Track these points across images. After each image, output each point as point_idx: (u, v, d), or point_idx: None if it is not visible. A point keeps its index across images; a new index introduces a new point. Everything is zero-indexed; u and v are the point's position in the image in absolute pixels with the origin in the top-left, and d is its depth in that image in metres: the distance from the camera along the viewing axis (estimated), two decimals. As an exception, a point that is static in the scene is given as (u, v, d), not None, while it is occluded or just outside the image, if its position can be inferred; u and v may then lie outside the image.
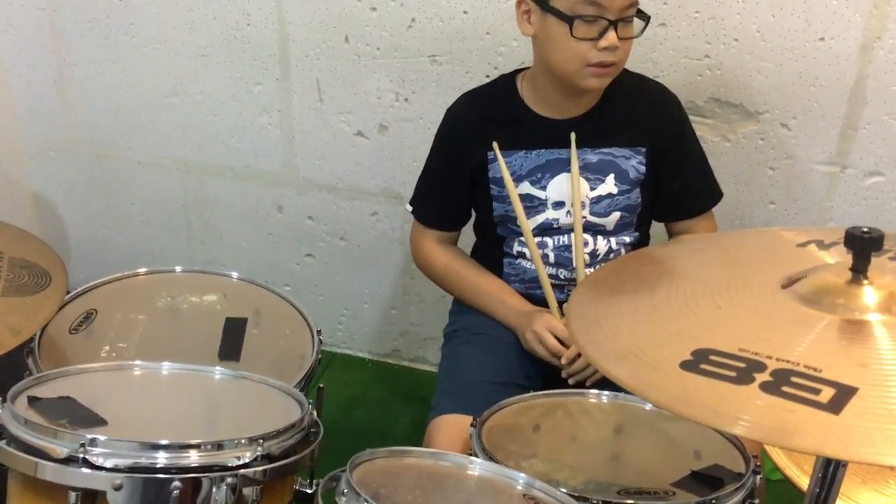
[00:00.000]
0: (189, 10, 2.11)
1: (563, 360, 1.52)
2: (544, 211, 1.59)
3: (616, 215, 1.60)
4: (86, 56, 2.25)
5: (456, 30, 1.95)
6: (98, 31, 2.21)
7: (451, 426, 1.45)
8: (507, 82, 1.64)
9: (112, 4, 2.16)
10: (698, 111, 1.87)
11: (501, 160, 1.56)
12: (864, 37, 1.73)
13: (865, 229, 0.88)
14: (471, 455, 1.23)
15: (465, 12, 1.93)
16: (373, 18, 2.00)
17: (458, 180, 1.65)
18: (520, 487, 1.15)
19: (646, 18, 1.47)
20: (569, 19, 1.42)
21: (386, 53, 2.02)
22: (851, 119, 1.80)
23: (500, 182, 1.60)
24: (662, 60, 1.85)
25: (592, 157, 1.58)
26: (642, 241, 1.68)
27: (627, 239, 1.63)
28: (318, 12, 2.03)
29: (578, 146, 1.57)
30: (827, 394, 0.76)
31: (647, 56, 1.85)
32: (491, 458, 1.21)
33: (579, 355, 1.51)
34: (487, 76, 1.94)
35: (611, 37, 1.42)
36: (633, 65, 1.73)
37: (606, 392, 1.41)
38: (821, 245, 1.01)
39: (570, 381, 1.53)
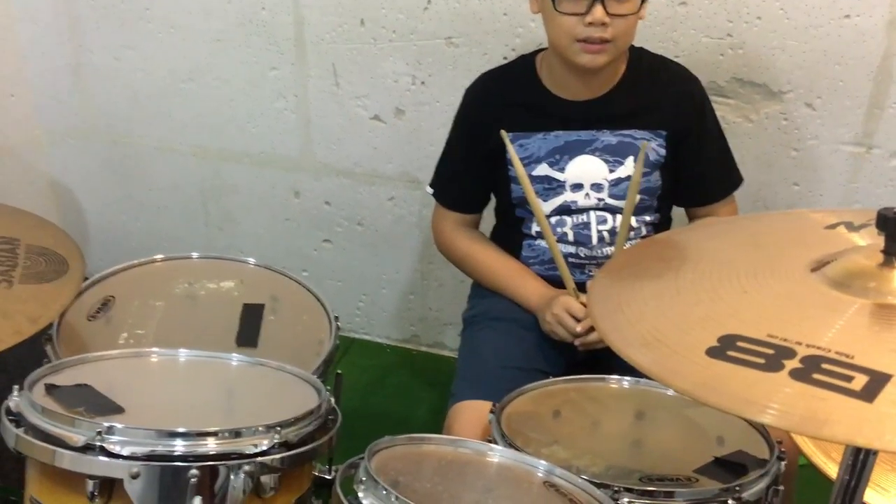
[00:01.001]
0: (204, -5, 2.10)
1: (579, 329, 1.50)
2: (563, 193, 1.58)
3: (636, 198, 1.57)
4: (102, 43, 2.25)
5: (473, 11, 1.93)
6: (113, 18, 2.20)
7: (472, 412, 1.44)
8: (525, 63, 1.63)
9: (127, -10, 2.16)
10: (720, 91, 1.84)
11: (511, 148, 1.54)
12: (890, 13, 1.69)
13: (898, 210, 0.86)
14: (490, 441, 1.21)
15: (482, -7, 1.91)
16: (388, 1, 1.97)
17: (478, 162, 1.63)
18: (540, 475, 1.14)
19: None
20: None
21: (402, 36, 2.00)
22: (878, 98, 1.76)
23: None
24: (683, 40, 1.82)
25: (612, 139, 1.56)
26: (663, 221, 1.66)
27: (648, 218, 1.61)
28: (333, -5, 2.01)
29: (597, 128, 1.56)
30: (860, 381, 0.74)
31: (668, 35, 1.82)
32: (511, 445, 1.20)
33: (593, 328, 1.49)
34: (505, 58, 1.92)
35: (597, 12, 1.41)
36: (653, 45, 1.71)
37: (627, 378, 1.40)
38: (850, 227, 0.99)
39: (580, 349, 1.52)
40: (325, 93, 2.12)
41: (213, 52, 2.16)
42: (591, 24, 1.42)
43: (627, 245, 1.58)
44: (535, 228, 1.62)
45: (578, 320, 1.51)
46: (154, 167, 2.37)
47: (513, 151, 1.54)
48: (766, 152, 1.88)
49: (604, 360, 1.54)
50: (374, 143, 2.14)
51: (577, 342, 1.52)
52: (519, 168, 1.54)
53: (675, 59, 1.68)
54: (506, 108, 1.59)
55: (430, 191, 1.72)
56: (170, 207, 2.41)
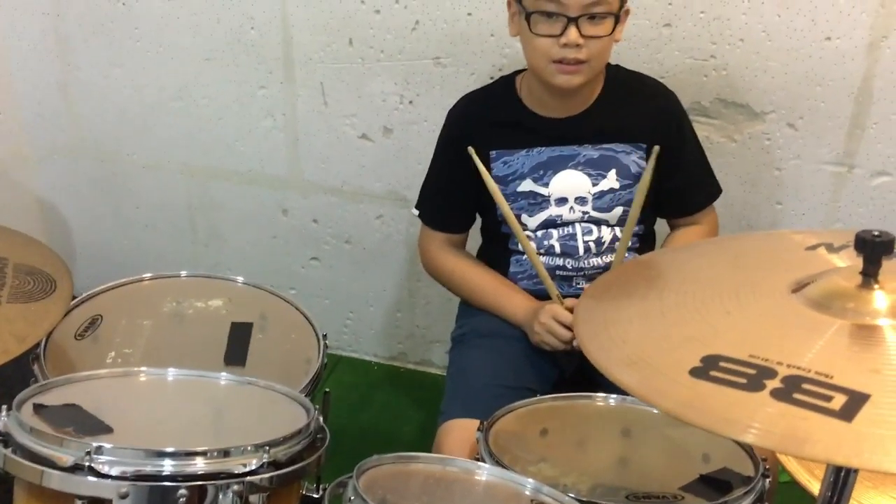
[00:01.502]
0: (193, 14, 2.11)
1: (568, 335, 1.51)
2: (548, 207, 1.60)
3: (619, 210, 1.60)
4: (90, 61, 2.25)
5: (460, 32, 1.95)
6: (102, 36, 2.21)
7: (461, 430, 1.45)
8: (506, 83, 1.66)
9: (116, 9, 2.16)
10: (704, 111, 1.86)
11: (480, 165, 1.56)
12: (870, 36, 1.72)
13: (876, 233, 0.87)
14: (478, 460, 1.22)
15: (469, 14, 1.93)
16: (377, 21, 1.99)
17: (462, 181, 1.65)
18: (528, 493, 1.14)
19: (616, 18, 1.46)
20: (528, 14, 1.45)
21: (390, 56, 2.01)
22: (859, 119, 1.79)
23: (502, 181, 1.60)
24: (668, 61, 1.84)
25: (593, 152, 1.59)
26: (647, 232, 1.69)
27: (634, 229, 1.63)
28: (321, 15, 2.02)
29: (578, 143, 1.59)
30: (839, 401, 0.75)
31: (653, 57, 1.84)
32: (498, 463, 1.21)
33: None
34: (492, 78, 1.92)
35: (570, 34, 1.43)
36: (638, 65, 1.73)
37: (614, 395, 1.40)
38: (830, 248, 1.00)
39: (576, 349, 1.52)
40: (313, 111, 2.13)
41: (201, 71, 2.17)
42: (565, 45, 1.44)
43: (613, 256, 1.61)
44: (521, 245, 1.64)
45: (567, 327, 1.52)
46: (142, 185, 2.37)
47: (482, 169, 1.56)
48: (750, 172, 1.90)
49: (591, 377, 1.55)
50: (362, 161, 2.15)
51: (567, 348, 1.53)
52: (489, 181, 1.56)
53: (661, 80, 1.71)
54: (488, 126, 1.62)
55: (416, 212, 1.73)
56: (157, 225, 2.41)
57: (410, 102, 2.05)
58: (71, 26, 2.22)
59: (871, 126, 1.79)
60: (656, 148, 1.56)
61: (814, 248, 1.02)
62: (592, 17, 1.44)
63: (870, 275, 0.88)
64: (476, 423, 1.33)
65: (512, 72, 1.68)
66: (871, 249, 0.88)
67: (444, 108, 1.73)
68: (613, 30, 1.47)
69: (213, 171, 2.29)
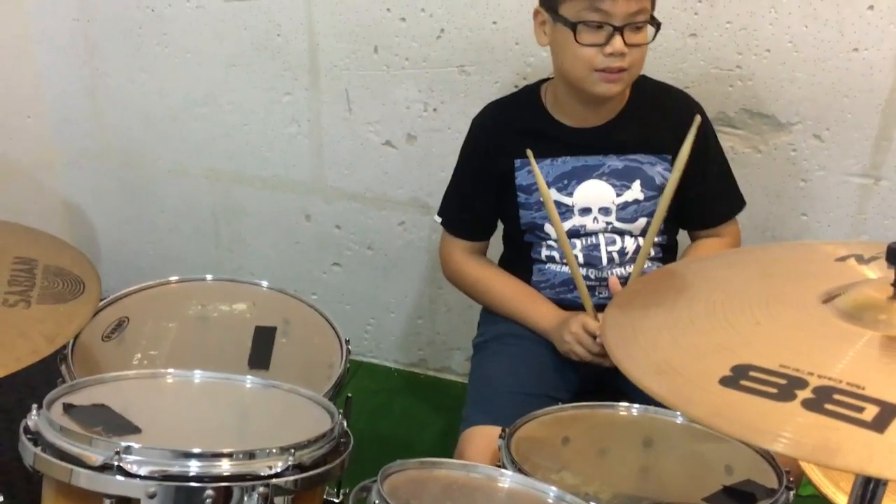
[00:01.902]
0: (220, 21, 2.13)
1: (598, 348, 1.50)
2: (571, 217, 1.60)
3: (642, 221, 1.60)
4: (118, 66, 2.28)
5: (485, 40, 1.95)
6: (130, 42, 2.23)
7: (483, 437, 1.45)
8: (531, 92, 1.66)
9: (145, 15, 2.19)
10: (729, 122, 1.86)
11: (535, 166, 1.55)
12: (898, 48, 1.71)
13: (908, 244, 0.87)
14: (500, 467, 1.22)
15: (494, 23, 1.93)
16: (402, 29, 2.00)
17: (485, 190, 1.65)
18: (550, 501, 1.14)
19: (657, 25, 1.48)
20: (573, 25, 1.45)
21: (415, 64, 2.03)
22: (886, 130, 1.78)
23: (526, 189, 1.60)
24: (693, 71, 1.84)
25: (618, 163, 1.59)
26: (670, 242, 1.68)
27: (657, 239, 1.63)
28: (347, 23, 2.04)
29: (603, 153, 1.58)
30: (871, 412, 0.75)
31: (678, 66, 1.84)
32: (520, 470, 1.21)
33: None
34: (516, 86, 1.94)
35: (616, 43, 1.44)
36: (663, 75, 1.73)
37: (636, 405, 1.40)
38: (861, 259, 1.00)
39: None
40: (337, 118, 2.15)
41: (227, 77, 2.19)
42: (610, 54, 1.45)
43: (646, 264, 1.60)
44: (545, 253, 1.64)
45: (595, 338, 1.52)
46: (166, 189, 2.39)
47: (538, 171, 1.54)
48: (775, 183, 1.89)
49: (613, 386, 1.55)
50: (386, 168, 2.16)
51: (596, 360, 1.52)
52: (543, 187, 1.54)
53: (685, 90, 1.71)
54: (513, 135, 1.62)
55: (439, 219, 1.74)
56: (181, 229, 2.43)
57: (434, 110, 2.06)
58: (99, 32, 2.25)
59: (898, 138, 1.78)
60: (697, 118, 1.52)
61: (843, 259, 1.01)
62: (634, 25, 1.45)
63: (902, 287, 0.87)
64: (498, 430, 1.33)
65: (536, 81, 1.68)
66: (904, 261, 0.87)
67: (467, 115, 1.74)
68: (654, 37, 1.49)
69: (237, 177, 2.30)
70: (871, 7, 1.70)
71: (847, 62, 1.75)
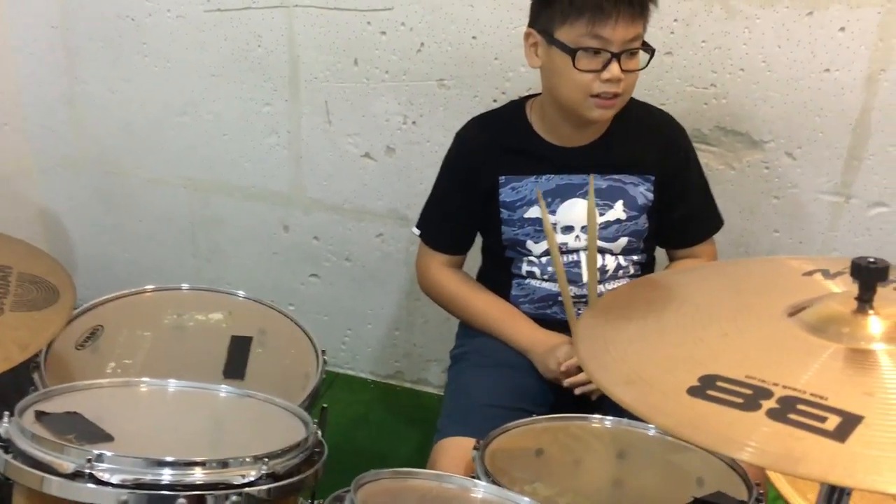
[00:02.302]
0: (200, 31, 2.14)
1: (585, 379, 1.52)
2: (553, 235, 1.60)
3: (623, 240, 1.61)
4: (97, 75, 2.27)
5: (464, 55, 1.97)
6: (110, 51, 2.23)
7: (457, 449, 1.45)
8: (516, 109, 1.66)
9: (125, 24, 2.19)
10: (703, 139, 1.89)
11: (545, 208, 1.56)
12: (869, 69, 1.74)
13: (872, 259, 0.89)
14: (474, 478, 1.23)
15: (473, 38, 1.95)
16: (382, 42, 2.02)
17: (467, 205, 1.66)
18: (523, 512, 1.15)
19: (650, 51, 1.50)
20: (572, 51, 1.45)
21: (395, 77, 2.04)
22: (856, 150, 1.82)
23: (510, 206, 1.61)
24: (668, 88, 1.87)
25: (602, 183, 1.60)
26: (649, 261, 1.70)
27: (636, 258, 1.65)
28: (328, 35, 2.05)
29: (587, 172, 1.59)
30: (833, 422, 0.77)
31: (654, 84, 1.87)
32: (494, 482, 1.21)
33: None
34: (495, 101, 1.96)
35: (614, 69, 1.44)
36: (639, 93, 1.75)
37: (610, 417, 1.41)
38: (826, 274, 1.02)
39: (577, 392, 1.53)
40: (317, 129, 2.15)
41: (207, 87, 2.19)
42: (607, 80, 1.45)
43: (616, 284, 1.62)
44: (525, 268, 1.65)
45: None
46: (144, 198, 2.38)
47: (544, 209, 1.56)
48: (748, 200, 1.92)
49: (587, 400, 1.56)
50: (364, 180, 2.17)
51: (585, 391, 1.53)
52: (549, 231, 1.56)
53: (661, 107, 1.73)
54: (498, 152, 1.62)
55: (417, 232, 1.74)
56: (159, 238, 2.42)
57: (414, 123, 2.07)
58: (79, 40, 2.25)
59: (869, 157, 1.81)
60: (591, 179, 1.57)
61: (810, 273, 1.03)
62: (630, 51, 1.46)
63: (865, 300, 0.89)
64: (472, 441, 1.33)
65: (521, 97, 1.69)
66: (867, 276, 0.89)
67: (447, 129, 1.75)
68: (647, 63, 1.50)
69: (216, 187, 2.30)
70: (842, 29, 1.73)
71: (819, 82, 1.78)
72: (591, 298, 1.59)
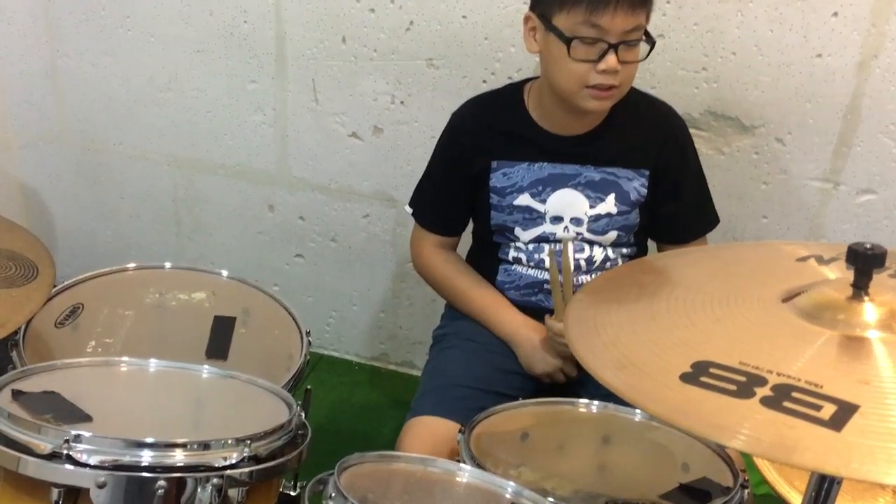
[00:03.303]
0: (185, 5, 2.10)
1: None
2: (542, 224, 1.59)
3: (613, 234, 1.59)
4: (79, 48, 2.23)
5: (454, 34, 1.94)
6: (93, 24, 2.19)
7: (425, 428, 1.44)
8: (513, 93, 1.62)
9: (108, -4, 2.15)
10: (694, 123, 1.87)
11: (568, 254, 1.56)
12: (861, 55, 1.73)
13: (868, 245, 0.88)
14: (459, 461, 1.22)
15: (463, 17, 1.92)
16: (371, 20, 1.99)
17: (460, 186, 1.64)
18: (508, 496, 1.14)
19: (652, 42, 1.45)
20: (567, 40, 1.41)
21: (383, 55, 2.01)
22: (846, 136, 1.81)
23: (500, 192, 1.59)
24: (659, 72, 1.85)
25: (595, 174, 1.57)
26: (640, 252, 1.68)
27: (625, 250, 1.63)
28: (315, 12, 2.01)
29: (581, 163, 1.57)
30: (828, 410, 0.76)
31: (645, 67, 1.83)
32: (479, 466, 1.20)
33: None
34: (484, 81, 1.94)
35: (610, 60, 1.41)
36: (630, 75, 1.73)
37: (595, 402, 1.40)
38: (821, 260, 1.01)
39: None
40: (303, 108, 2.12)
41: (192, 63, 2.15)
42: (603, 71, 1.41)
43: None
44: (512, 254, 1.63)
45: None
46: (127, 175, 2.35)
47: (567, 256, 1.55)
48: (737, 185, 1.91)
49: (572, 385, 1.55)
50: (351, 160, 2.14)
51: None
52: (553, 273, 1.55)
53: (651, 91, 1.71)
54: (492, 135, 1.59)
55: (409, 210, 1.72)
56: (141, 216, 2.39)
57: (402, 103, 2.04)
58: (61, 12, 2.20)
59: (858, 144, 1.81)
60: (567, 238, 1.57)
61: (804, 259, 1.03)
62: (629, 42, 1.42)
63: (860, 287, 0.88)
64: (443, 421, 1.32)
65: (520, 80, 1.65)
66: (863, 262, 0.88)
67: (435, 109, 1.73)
68: (648, 55, 1.46)
69: (199, 164, 2.27)
70: (835, 14, 1.72)
71: (811, 67, 1.77)
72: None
